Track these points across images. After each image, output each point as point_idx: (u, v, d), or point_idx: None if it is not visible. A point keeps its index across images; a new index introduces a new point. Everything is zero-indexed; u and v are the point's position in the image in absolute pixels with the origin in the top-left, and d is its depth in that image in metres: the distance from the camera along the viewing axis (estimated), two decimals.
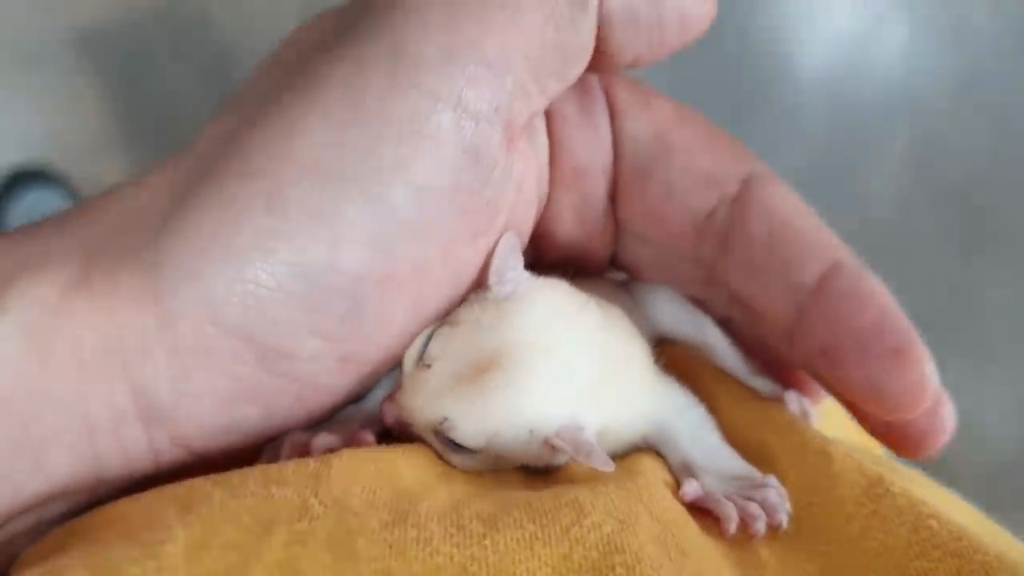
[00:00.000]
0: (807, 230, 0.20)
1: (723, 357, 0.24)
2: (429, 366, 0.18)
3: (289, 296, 0.17)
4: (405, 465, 0.18)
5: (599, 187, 0.21)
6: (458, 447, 0.18)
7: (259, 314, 0.17)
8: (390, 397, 0.19)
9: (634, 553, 0.15)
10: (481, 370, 0.18)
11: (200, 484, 0.17)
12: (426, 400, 0.18)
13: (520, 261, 0.20)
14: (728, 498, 0.18)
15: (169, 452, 0.18)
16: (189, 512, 0.16)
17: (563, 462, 0.19)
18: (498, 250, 0.19)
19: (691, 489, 0.19)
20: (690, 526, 0.17)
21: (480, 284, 0.20)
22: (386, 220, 0.17)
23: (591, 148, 0.21)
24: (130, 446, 0.17)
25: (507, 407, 0.18)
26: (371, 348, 0.18)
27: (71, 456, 0.17)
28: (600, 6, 0.18)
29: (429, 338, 0.19)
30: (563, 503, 0.16)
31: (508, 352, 0.18)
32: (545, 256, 0.23)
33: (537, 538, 0.15)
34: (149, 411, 0.17)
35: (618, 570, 0.15)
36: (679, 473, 0.20)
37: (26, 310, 0.17)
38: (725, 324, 0.24)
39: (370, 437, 0.19)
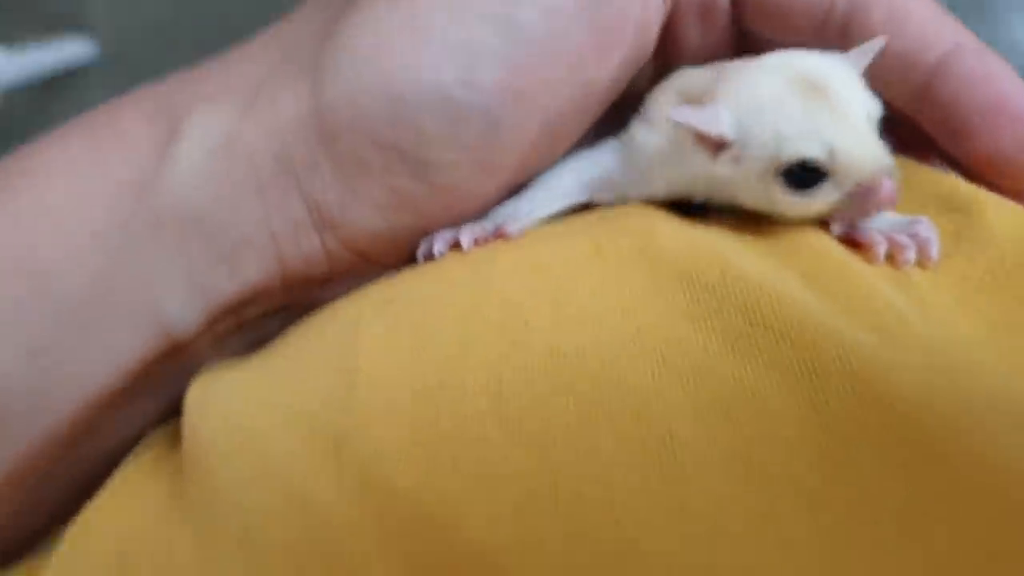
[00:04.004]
0: (926, 15, 0.20)
1: None
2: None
3: (432, 112, 0.19)
4: (548, 252, 0.19)
5: None
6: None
7: (407, 128, 0.19)
8: None
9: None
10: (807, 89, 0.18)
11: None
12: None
13: None
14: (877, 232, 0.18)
15: (341, 255, 0.20)
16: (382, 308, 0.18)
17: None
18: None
19: (838, 223, 0.19)
20: (837, 252, 0.18)
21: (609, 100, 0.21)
22: (516, 39, 0.19)
23: None
24: (308, 251, 0.20)
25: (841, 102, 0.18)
26: (509, 158, 0.20)
27: (260, 262, 0.20)
28: None
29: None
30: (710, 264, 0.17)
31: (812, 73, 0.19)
32: (671, 69, 0.23)
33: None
34: (322, 220, 0.20)
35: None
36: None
37: (207, 137, 0.19)
38: None
39: (514, 228, 0.20)
